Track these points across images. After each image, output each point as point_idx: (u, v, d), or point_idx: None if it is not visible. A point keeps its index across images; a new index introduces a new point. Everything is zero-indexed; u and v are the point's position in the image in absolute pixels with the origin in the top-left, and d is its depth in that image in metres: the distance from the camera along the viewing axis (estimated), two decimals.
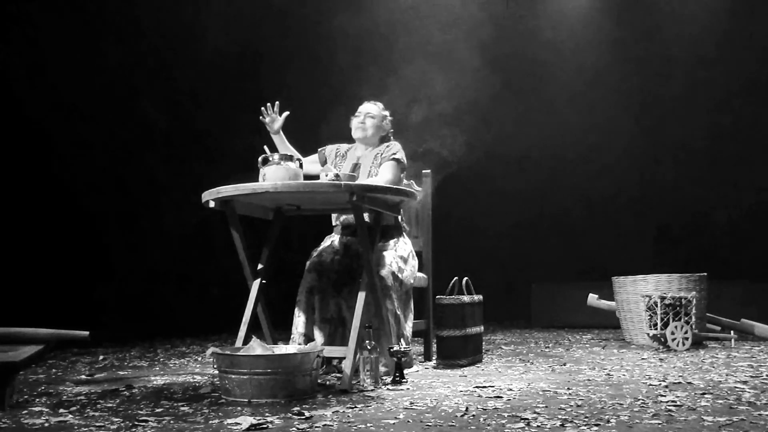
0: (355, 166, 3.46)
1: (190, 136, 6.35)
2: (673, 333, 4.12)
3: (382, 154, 3.46)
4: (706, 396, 2.45)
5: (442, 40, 7.27)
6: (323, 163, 3.57)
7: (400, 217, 3.46)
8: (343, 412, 2.27)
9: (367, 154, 3.51)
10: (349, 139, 3.63)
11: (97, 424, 2.13)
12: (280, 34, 6.64)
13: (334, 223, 3.55)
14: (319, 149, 3.62)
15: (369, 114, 3.50)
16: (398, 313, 3.25)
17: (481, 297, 3.63)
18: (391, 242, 3.41)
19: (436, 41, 7.24)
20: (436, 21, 7.08)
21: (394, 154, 3.40)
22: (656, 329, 4.18)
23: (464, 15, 7.14)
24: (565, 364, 3.48)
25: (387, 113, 3.58)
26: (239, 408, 2.38)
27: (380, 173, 3.34)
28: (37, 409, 2.41)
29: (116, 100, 5.80)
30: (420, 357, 3.80)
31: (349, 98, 3.89)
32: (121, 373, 3.45)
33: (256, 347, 2.67)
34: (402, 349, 2.91)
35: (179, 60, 6.14)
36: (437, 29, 7.15)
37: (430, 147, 5.96)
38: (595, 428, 1.95)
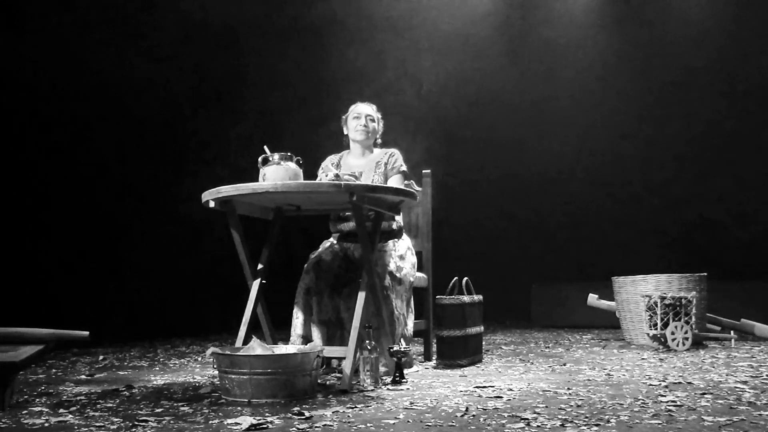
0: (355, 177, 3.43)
1: (191, 135, 6.35)
2: (673, 333, 4.12)
3: (385, 163, 3.46)
4: (706, 396, 2.45)
5: (443, 38, 7.29)
6: None
7: (398, 217, 3.46)
8: (343, 412, 2.27)
9: (364, 162, 3.51)
10: (338, 148, 3.63)
11: (97, 424, 2.13)
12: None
13: (332, 230, 3.55)
14: (319, 170, 3.55)
15: (369, 116, 3.52)
16: (398, 312, 3.25)
17: (481, 297, 3.63)
18: (390, 243, 3.42)
19: (437, 38, 7.27)
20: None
21: (401, 165, 3.48)
22: (656, 329, 4.18)
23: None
24: (565, 364, 3.48)
25: (380, 115, 3.59)
26: (239, 408, 2.38)
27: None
28: (37, 409, 2.41)
29: (115, 98, 5.80)
30: (420, 357, 3.80)
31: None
32: (121, 373, 3.45)
33: (256, 347, 2.67)
34: (402, 349, 2.91)
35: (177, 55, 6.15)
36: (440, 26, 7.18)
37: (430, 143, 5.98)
38: (595, 428, 1.95)
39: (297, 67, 6.70)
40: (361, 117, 3.51)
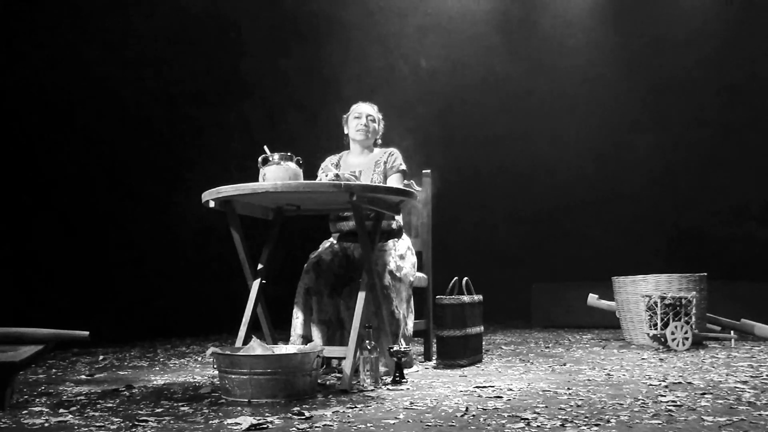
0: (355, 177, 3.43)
1: (191, 135, 6.35)
2: (673, 333, 4.12)
3: (385, 162, 3.46)
4: (706, 396, 2.45)
5: (443, 35, 7.28)
6: None
7: (398, 217, 3.46)
8: (343, 412, 2.27)
9: (364, 161, 3.51)
10: (338, 148, 3.63)
11: (97, 424, 2.13)
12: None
13: (332, 230, 3.55)
14: (319, 170, 3.54)
15: (370, 116, 3.52)
16: (398, 312, 3.25)
17: (481, 297, 3.63)
18: (390, 242, 3.42)
19: (437, 34, 7.26)
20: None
21: (401, 165, 3.48)
22: (656, 329, 4.18)
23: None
24: (565, 364, 3.48)
25: (380, 116, 3.59)
26: (239, 408, 2.38)
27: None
28: (37, 409, 2.41)
29: (115, 98, 5.80)
30: (420, 357, 3.80)
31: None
32: (121, 373, 3.45)
33: (256, 347, 2.67)
34: (402, 349, 2.91)
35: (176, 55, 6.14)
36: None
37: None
38: (595, 428, 1.95)
39: (297, 66, 6.70)
40: (362, 117, 3.51)
